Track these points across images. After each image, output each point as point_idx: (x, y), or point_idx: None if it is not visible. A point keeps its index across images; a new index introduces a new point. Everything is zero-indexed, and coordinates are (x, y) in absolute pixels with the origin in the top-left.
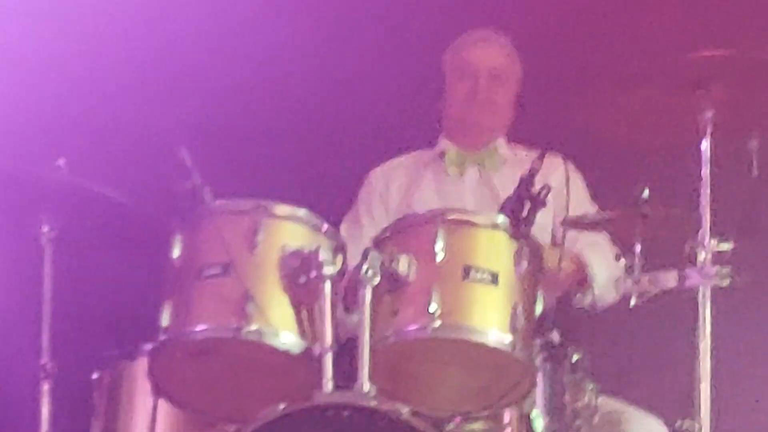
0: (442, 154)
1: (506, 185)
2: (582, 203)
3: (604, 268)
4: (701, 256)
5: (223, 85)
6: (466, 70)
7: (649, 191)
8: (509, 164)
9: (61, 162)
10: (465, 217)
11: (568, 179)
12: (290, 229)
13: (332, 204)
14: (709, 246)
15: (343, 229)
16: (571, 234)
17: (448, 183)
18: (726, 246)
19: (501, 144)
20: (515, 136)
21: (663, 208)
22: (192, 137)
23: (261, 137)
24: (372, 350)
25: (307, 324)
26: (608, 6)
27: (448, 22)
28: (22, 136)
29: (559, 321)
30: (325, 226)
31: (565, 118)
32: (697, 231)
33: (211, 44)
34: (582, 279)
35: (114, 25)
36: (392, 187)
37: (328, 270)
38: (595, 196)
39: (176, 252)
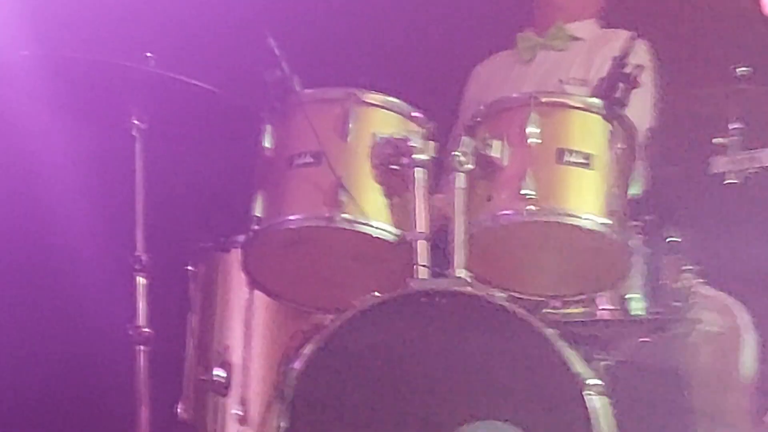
0: (518, 39)
1: (579, 65)
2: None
3: None
4: None
5: None
6: None
7: (748, 68)
8: (588, 44)
9: (149, 54)
10: (558, 99)
11: (655, 66)
12: (381, 117)
13: (425, 92)
14: None
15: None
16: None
17: (516, 68)
18: None
19: (578, 25)
20: (608, 19)
21: (759, 84)
22: (281, 25)
23: (353, 25)
24: (466, 236)
25: (400, 211)
26: None
27: None
28: (110, 29)
29: (658, 202)
30: (416, 113)
31: None
32: None
33: None
34: None
35: None
36: (474, 87)
37: (420, 157)
38: (691, 76)
39: (267, 142)
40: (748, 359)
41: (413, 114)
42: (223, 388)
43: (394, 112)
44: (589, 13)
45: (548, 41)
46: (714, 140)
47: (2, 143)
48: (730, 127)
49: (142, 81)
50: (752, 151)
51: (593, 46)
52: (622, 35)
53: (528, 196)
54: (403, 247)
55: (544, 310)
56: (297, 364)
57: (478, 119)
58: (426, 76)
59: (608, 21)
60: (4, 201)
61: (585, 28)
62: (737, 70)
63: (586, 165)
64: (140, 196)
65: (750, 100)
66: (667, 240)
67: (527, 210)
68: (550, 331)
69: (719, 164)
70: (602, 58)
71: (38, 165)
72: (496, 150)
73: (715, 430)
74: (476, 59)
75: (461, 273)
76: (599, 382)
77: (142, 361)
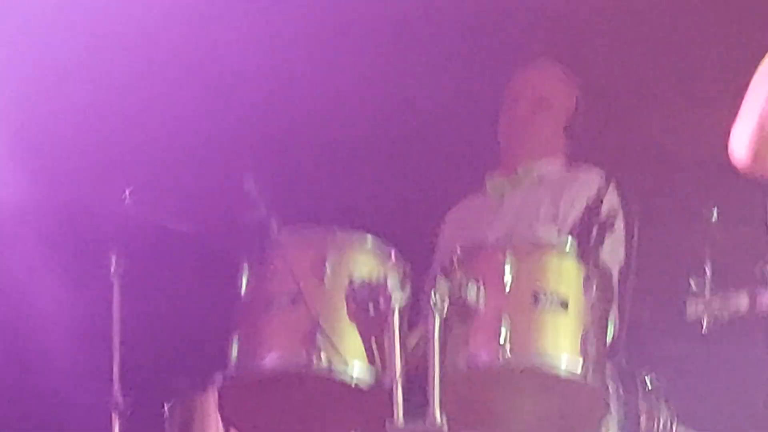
0: (488, 180)
1: (547, 205)
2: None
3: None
4: None
5: (290, 113)
6: (512, 98)
7: (718, 212)
8: (558, 185)
9: (127, 195)
10: (533, 242)
11: (628, 206)
12: (358, 258)
13: (401, 231)
14: None
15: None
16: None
17: (487, 211)
18: None
19: (546, 163)
20: (577, 159)
21: (732, 228)
22: (258, 166)
23: (330, 165)
24: (443, 380)
25: (377, 354)
26: (680, 25)
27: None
28: (88, 171)
29: (632, 346)
30: (393, 254)
31: (634, 138)
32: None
33: (275, 75)
34: None
35: (177, 55)
36: (449, 226)
37: (397, 299)
38: (664, 219)
39: (244, 283)
40: None
41: (390, 256)
42: None
43: (371, 253)
44: (553, 151)
45: (516, 182)
46: (690, 282)
47: None
48: (706, 269)
49: (120, 223)
50: (725, 294)
51: (560, 184)
52: (590, 172)
53: (505, 341)
54: (381, 390)
55: None
56: None
57: (454, 262)
58: (401, 217)
59: (573, 157)
60: None
61: (551, 167)
62: (710, 215)
63: (561, 308)
64: (117, 338)
65: (720, 244)
66: (644, 383)
67: (504, 355)
68: None
69: (695, 308)
70: (570, 196)
71: (21, 305)
72: (472, 293)
73: None
74: (449, 200)
75: (437, 417)
76: None
77: None
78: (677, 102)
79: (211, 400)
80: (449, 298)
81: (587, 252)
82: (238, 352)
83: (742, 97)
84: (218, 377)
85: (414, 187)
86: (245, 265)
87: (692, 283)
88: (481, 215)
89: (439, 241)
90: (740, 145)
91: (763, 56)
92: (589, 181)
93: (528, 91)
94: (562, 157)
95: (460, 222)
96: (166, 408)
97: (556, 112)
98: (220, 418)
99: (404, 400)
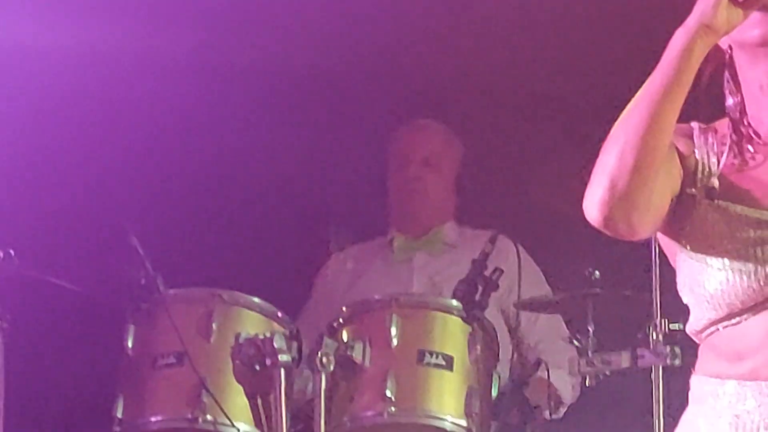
0: (390, 242)
1: (454, 269)
2: (536, 285)
3: (570, 387)
4: (653, 336)
5: (173, 173)
6: (400, 159)
7: (600, 273)
8: (458, 248)
9: (11, 252)
10: (418, 301)
11: (519, 262)
12: (244, 317)
13: (286, 293)
14: (660, 326)
15: (301, 319)
16: (527, 316)
17: (396, 269)
18: (677, 326)
19: (448, 228)
20: (465, 219)
21: (614, 289)
22: (143, 225)
23: (214, 226)
24: None
25: (263, 412)
26: (565, 78)
27: (397, 113)
28: None
29: (517, 402)
30: (279, 313)
31: (516, 199)
32: (649, 312)
33: (162, 132)
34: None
35: (62, 108)
36: (341, 276)
37: (283, 358)
38: (547, 277)
39: (130, 342)
40: None
41: (277, 314)
42: None
43: (257, 312)
44: (449, 214)
45: (424, 245)
46: (573, 342)
47: None
48: (588, 329)
49: (3, 279)
50: (607, 353)
51: (462, 248)
52: (476, 233)
53: (390, 397)
54: None
55: None
56: None
57: (341, 320)
58: (287, 279)
59: (463, 220)
60: None
61: (451, 232)
62: (592, 274)
63: (446, 366)
64: (1, 395)
65: (603, 303)
66: None
67: (389, 411)
68: None
69: (579, 366)
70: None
71: None
72: (358, 352)
73: None
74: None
75: None
76: None
77: None
78: (562, 158)
79: None
80: (335, 356)
81: (472, 311)
82: (123, 411)
83: None
84: None
85: (297, 249)
86: (131, 324)
87: (575, 342)
88: (388, 271)
89: (326, 281)
90: (591, 205)
91: None
92: (475, 243)
93: (416, 153)
94: (455, 220)
95: (355, 272)
96: None
97: (446, 173)
98: None
99: None
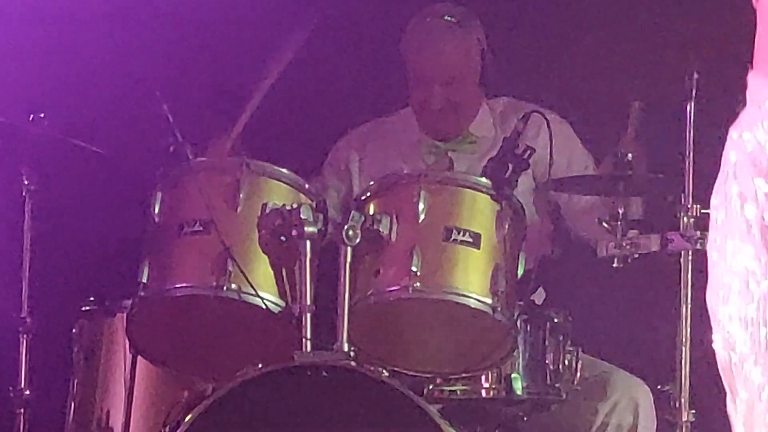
0: (419, 142)
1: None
2: (577, 161)
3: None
4: (684, 220)
5: (204, 43)
6: (420, 78)
7: (633, 155)
8: (495, 131)
9: (41, 115)
10: (447, 177)
11: (551, 140)
12: (272, 187)
13: (306, 165)
14: (691, 210)
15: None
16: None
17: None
18: (707, 211)
19: (477, 123)
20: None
21: (645, 171)
22: (175, 92)
23: (242, 98)
24: (352, 310)
25: (288, 283)
26: None
27: None
28: (1, 91)
29: (542, 282)
30: (307, 185)
31: (549, 75)
32: (680, 195)
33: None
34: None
35: None
36: (366, 152)
37: (309, 229)
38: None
39: (156, 208)
40: None
41: (304, 186)
42: None
43: (285, 183)
44: (476, 109)
45: (455, 146)
46: (602, 224)
47: None
48: (618, 211)
49: (33, 141)
50: (636, 236)
51: (500, 130)
52: (508, 106)
53: (415, 273)
54: (289, 319)
55: (428, 387)
56: None
57: (368, 194)
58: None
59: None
60: None
61: (482, 125)
62: (624, 156)
63: (473, 244)
64: (27, 257)
65: (635, 185)
66: (552, 320)
67: (414, 286)
68: (432, 408)
69: (607, 248)
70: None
71: None
72: (385, 225)
73: None
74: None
75: (345, 347)
76: None
77: (21, 423)
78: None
79: (119, 324)
80: (361, 229)
81: (501, 188)
82: (148, 276)
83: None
84: (127, 302)
85: (323, 122)
86: (158, 191)
87: (604, 224)
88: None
89: (338, 157)
90: None
91: None
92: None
93: (436, 75)
94: (485, 98)
95: (385, 164)
96: (74, 330)
97: (470, 80)
98: (128, 343)
99: (313, 330)
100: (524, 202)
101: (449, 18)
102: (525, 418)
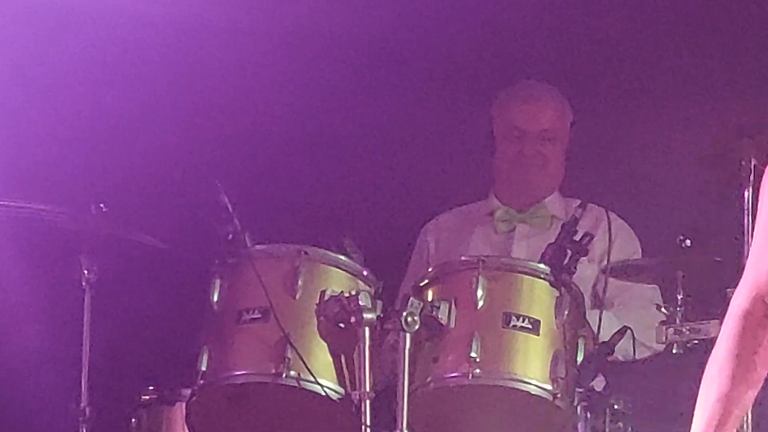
0: (492, 212)
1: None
2: (630, 252)
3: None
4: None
5: (263, 131)
6: (515, 131)
7: (691, 240)
8: (560, 220)
9: (101, 206)
10: (505, 263)
11: (609, 229)
12: (330, 274)
13: (378, 256)
14: None
15: (404, 283)
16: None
17: (498, 239)
18: None
19: (552, 200)
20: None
21: (704, 255)
22: (231, 181)
23: (303, 184)
24: (411, 397)
25: (346, 370)
26: (653, 48)
27: (496, 72)
28: (61, 182)
29: (602, 369)
30: (365, 271)
31: (609, 166)
32: (739, 279)
33: (249, 88)
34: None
35: (149, 67)
36: (441, 241)
37: (368, 316)
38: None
39: (215, 296)
40: None
41: (362, 272)
42: None
43: (343, 269)
44: (554, 187)
45: (528, 218)
46: (662, 310)
47: None
48: (678, 296)
49: (92, 234)
50: (696, 323)
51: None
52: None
53: (474, 359)
54: (348, 405)
55: None
56: None
57: (427, 281)
58: (369, 234)
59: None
60: None
61: (556, 204)
62: (683, 241)
63: (532, 330)
64: (86, 347)
65: (693, 272)
66: (612, 407)
67: (473, 373)
68: None
69: (666, 334)
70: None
71: None
72: (444, 312)
73: None
74: (421, 218)
75: None
76: None
77: None
78: (648, 123)
79: (179, 413)
80: (420, 316)
81: (560, 275)
82: (207, 364)
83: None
84: (186, 391)
85: (387, 204)
86: (217, 278)
87: (663, 310)
88: (483, 242)
89: (422, 250)
90: None
91: None
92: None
93: (532, 126)
94: (559, 191)
95: (447, 240)
96: (133, 420)
97: (560, 144)
98: (187, 431)
99: (372, 417)
100: (583, 289)
101: (546, 85)
102: None
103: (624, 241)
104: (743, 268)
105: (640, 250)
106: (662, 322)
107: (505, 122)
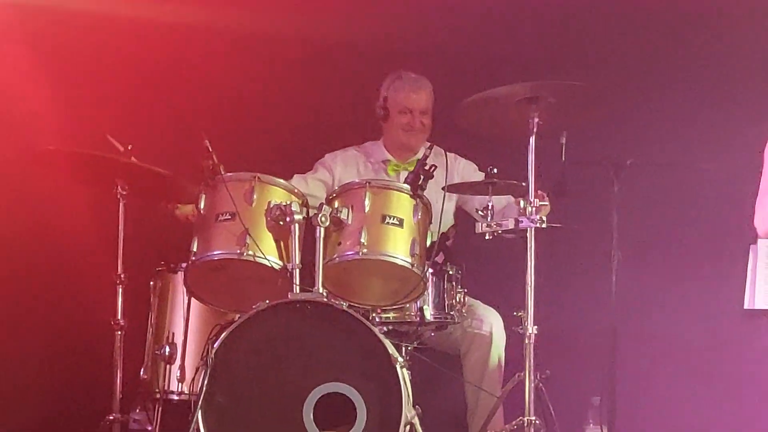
0: (385, 162)
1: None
2: (471, 174)
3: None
4: (529, 208)
5: (235, 95)
6: (405, 109)
7: (497, 169)
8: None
9: (128, 147)
10: (383, 183)
11: (447, 163)
12: (274, 191)
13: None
14: (534, 202)
15: (295, 180)
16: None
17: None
18: (544, 203)
19: (421, 150)
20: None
21: (507, 179)
22: (212, 131)
23: (258, 128)
24: (324, 268)
25: (284, 250)
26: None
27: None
28: (103, 131)
29: (442, 249)
30: (297, 189)
31: (451, 122)
32: (526, 193)
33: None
34: None
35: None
36: (345, 169)
37: (297, 217)
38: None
39: (201, 204)
40: (496, 349)
41: (294, 189)
42: (170, 359)
43: (282, 188)
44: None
45: (408, 166)
46: (479, 212)
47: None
48: (489, 205)
49: (125, 163)
50: (499, 219)
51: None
52: (439, 151)
53: (363, 243)
54: (285, 273)
55: (372, 315)
56: (217, 344)
57: (334, 194)
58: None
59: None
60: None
61: (420, 150)
62: (492, 169)
63: (399, 225)
64: (121, 237)
65: (499, 187)
66: (448, 273)
67: (363, 252)
68: (375, 328)
69: (481, 227)
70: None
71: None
72: (345, 214)
73: (478, 393)
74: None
75: (320, 290)
76: (403, 359)
77: (118, 342)
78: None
79: (180, 278)
80: (329, 216)
81: (416, 190)
82: (196, 247)
83: (517, 97)
84: (183, 265)
85: (314, 148)
86: (202, 193)
87: (479, 212)
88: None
89: (325, 168)
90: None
91: None
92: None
93: (416, 105)
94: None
95: (352, 171)
96: (151, 283)
97: (430, 116)
98: (185, 290)
99: (300, 281)
100: (433, 200)
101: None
102: (432, 334)
103: (463, 169)
104: (528, 186)
105: (479, 173)
106: (481, 221)
107: (398, 100)
